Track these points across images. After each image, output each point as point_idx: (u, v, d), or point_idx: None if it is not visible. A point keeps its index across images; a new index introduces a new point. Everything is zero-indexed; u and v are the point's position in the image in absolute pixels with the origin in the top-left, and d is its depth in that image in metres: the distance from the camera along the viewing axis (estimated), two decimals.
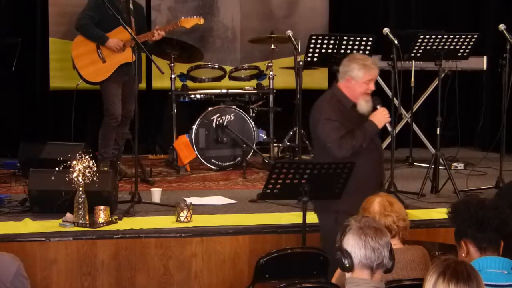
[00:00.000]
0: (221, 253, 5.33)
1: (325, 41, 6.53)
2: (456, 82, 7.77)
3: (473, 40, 6.77)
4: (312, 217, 5.50)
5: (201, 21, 7.24)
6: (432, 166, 6.62)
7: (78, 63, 6.99)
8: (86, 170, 5.26)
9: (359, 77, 4.99)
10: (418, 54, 6.75)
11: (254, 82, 8.13)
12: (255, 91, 8.05)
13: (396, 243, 3.99)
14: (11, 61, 7.18)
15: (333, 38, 6.58)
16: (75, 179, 5.26)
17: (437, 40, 6.66)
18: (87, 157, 5.29)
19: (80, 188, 5.28)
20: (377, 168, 5.16)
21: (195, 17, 7.24)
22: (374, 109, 5.10)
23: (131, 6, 7.05)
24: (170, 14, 8.76)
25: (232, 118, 7.76)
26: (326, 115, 5.00)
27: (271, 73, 7.98)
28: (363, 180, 4.96)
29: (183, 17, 7.23)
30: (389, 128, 5.17)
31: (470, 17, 9.36)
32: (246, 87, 8.10)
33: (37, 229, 5.30)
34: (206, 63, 8.08)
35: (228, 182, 7.15)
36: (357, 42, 6.53)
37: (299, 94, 6.82)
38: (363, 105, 5.05)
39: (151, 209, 5.89)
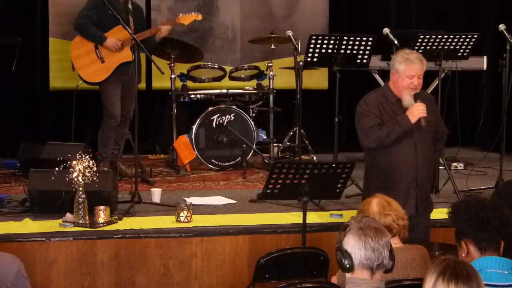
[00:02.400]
0: (221, 253, 5.32)
1: (325, 41, 6.54)
2: (456, 82, 7.76)
3: (473, 40, 6.78)
4: (312, 217, 5.51)
5: (199, 17, 7.24)
6: None
7: (77, 64, 6.98)
8: (86, 170, 5.25)
9: (400, 70, 4.97)
10: None
11: (254, 82, 8.12)
12: (255, 91, 8.04)
13: (396, 242, 3.99)
14: (11, 61, 7.16)
15: (333, 38, 6.59)
16: (75, 179, 5.25)
17: (437, 40, 6.66)
18: (87, 157, 5.28)
19: (80, 188, 5.28)
20: (410, 167, 5.05)
21: (192, 13, 7.24)
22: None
23: (129, 6, 7.05)
24: (170, 14, 8.74)
25: (232, 118, 7.75)
26: (363, 107, 5.08)
27: (271, 73, 7.98)
28: (393, 177, 4.99)
29: (180, 14, 7.23)
30: (423, 123, 4.97)
31: (470, 17, 9.36)
32: (246, 87, 8.09)
33: (37, 229, 5.28)
34: (206, 63, 8.08)
35: (228, 182, 7.15)
36: (357, 42, 6.54)
37: (299, 94, 6.83)
38: (407, 99, 5.01)
39: (151, 209, 5.89)
